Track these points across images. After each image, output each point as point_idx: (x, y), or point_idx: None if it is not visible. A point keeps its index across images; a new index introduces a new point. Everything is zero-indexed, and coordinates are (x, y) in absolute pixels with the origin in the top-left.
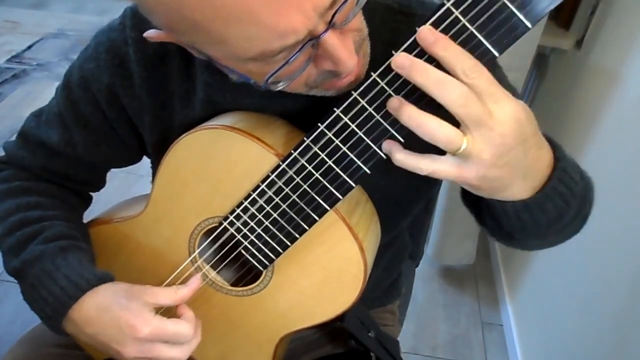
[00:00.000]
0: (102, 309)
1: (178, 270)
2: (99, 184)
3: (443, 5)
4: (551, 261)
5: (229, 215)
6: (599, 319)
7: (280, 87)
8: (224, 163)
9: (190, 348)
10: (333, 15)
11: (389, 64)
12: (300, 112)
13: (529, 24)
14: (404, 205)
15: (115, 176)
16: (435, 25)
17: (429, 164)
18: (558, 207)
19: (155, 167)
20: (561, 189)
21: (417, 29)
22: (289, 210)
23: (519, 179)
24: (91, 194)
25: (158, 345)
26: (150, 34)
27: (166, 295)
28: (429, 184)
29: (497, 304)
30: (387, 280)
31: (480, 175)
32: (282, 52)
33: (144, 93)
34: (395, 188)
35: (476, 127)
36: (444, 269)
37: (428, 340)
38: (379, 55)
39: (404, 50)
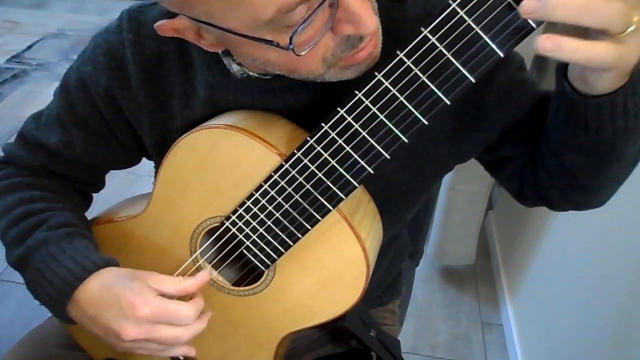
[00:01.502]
0: (105, 287)
1: (179, 270)
2: (99, 184)
3: (448, 5)
4: (551, 261)
5: (231, 215)
6: (599, 319)
7: (303, 52)
8: (225, 162)
9: (192, 330)
10: None
11: (394, 65)
12: (303, 108)
13: (534, 25)
14: (408, 194)
15: (115, 176)
16: (440, 25)
17: (612, 49)
18: None
19: (157, 167)
20: None
21: (422, 29)
22: (291, 210)
23: None
24: (91, 194)
25: (158, 326)
26: (161, 23)
27: (169, 283)
28: (434, 171)
29: (497, 304)
30: (388, 279)
31: None
32: (298, 5)
33: (141, 95)
34: (400, 176)
35: None
36: (444, 269)
37: (428, 340)
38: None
39: (409, 51)
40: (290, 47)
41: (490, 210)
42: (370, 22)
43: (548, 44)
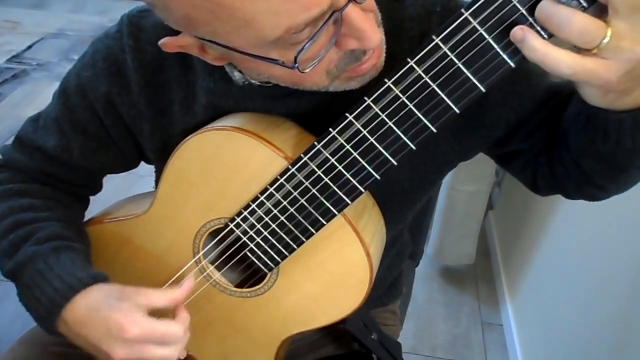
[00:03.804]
0: (92, 309)
1: (182, 271)
2: (96, 187)
3: (461, 14)
4: (551, 261)
5: (236, 217)
6: (599, 319)
7: (307, 69)
8: (231, 164)
9: (180, 347)
10: None
11: (403, 72)
12: (305, 112)
13: (545, 35)
14: (410, 192)
15: (115, 176)
16: (452, 34)
17: (574, 59)
18: None
19: (158, 172)
20: None
21: (433, 37)
22: (296, 214)
23: None
24: (89, 196)
25: (147, 346)
26: (165, 41)
27: (159, 297)
28: (436, 169)
29: (497, 304)
30: (389, 279)
31: (623, 72)
32: (307, 27)
33: (142, 101)
34: (401, 174)
35: (631, 12)
36: (444, 269)
37: (428, 340)
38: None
39: (420, 59)
40: (295, 65)
41: (490, 210)
42: (374, 36)
43: (519, 33)
